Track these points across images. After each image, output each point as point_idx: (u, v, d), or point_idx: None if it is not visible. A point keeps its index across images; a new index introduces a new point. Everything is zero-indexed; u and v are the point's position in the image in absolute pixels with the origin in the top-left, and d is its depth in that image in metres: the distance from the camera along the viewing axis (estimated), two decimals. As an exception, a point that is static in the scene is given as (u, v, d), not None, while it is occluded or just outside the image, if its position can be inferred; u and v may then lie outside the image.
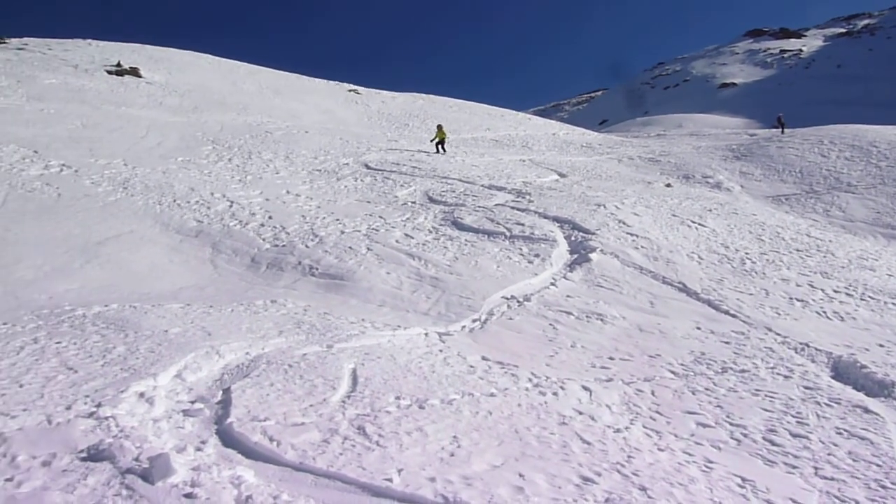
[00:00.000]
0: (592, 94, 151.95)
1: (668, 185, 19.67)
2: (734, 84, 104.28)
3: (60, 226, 10.95)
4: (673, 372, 6.85)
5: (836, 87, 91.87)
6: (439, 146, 23.42)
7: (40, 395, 4.82)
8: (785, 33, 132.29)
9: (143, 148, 17.24)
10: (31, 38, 34.06)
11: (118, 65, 30.80)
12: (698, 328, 8.43)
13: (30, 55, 29.71)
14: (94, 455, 3.94)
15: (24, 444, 4.00)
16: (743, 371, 6.90)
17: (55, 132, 17.03)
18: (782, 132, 31.02)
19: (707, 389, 6.32)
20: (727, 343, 7.88)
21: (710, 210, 15.93)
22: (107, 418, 4.51)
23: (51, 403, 4.68)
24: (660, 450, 4.87)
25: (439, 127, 23.98)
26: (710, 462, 4.72)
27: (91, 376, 5.34)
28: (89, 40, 36.27)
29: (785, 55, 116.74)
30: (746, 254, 12.27)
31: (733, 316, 8.94)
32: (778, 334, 8.27)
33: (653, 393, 6.16)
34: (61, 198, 12.34)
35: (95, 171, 14.29)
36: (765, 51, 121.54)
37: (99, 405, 4.72)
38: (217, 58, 40.20)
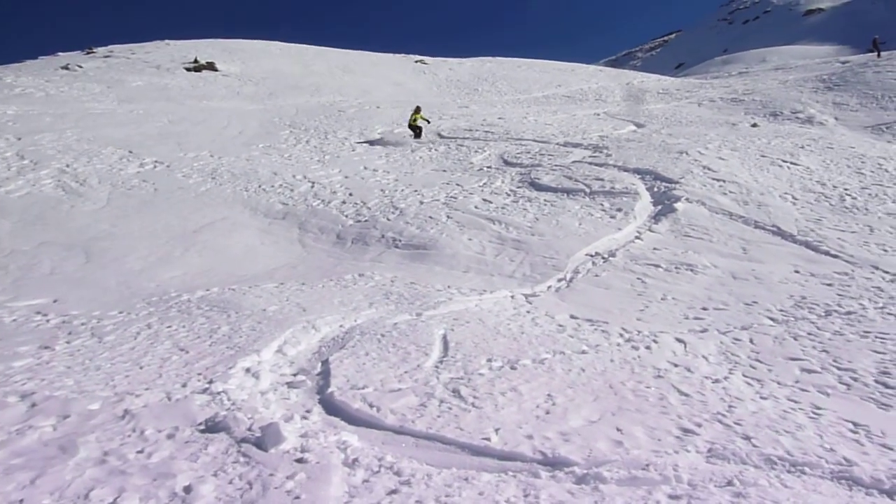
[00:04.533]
0: (666, 38, 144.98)
1: (755, 125, 18.68)
2: (821, 9, 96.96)
3: (160, 218, 11.62)
4: (772, 318, 6.61)
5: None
6: (415, 131, 18.57)
7: (159, 375, 5.20)
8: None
9: (227, 138, 17.93)
10: (116, 45, 35.84)
11: (195, 61, 31.98)
12: (797, 272, 8.07)
13: (116, 61, 31.30)
14: (212, 427, 4.22)
15: (149, 419, 4.34)
16: (849, 313, 6.57)
17: (146, 131, 17.95)
18: (878, 56, 28.78)
19: (810, 334, 6.07)
20: (830, 285, 7.52)
21: (803, 147, 15.06)
22: (219, 393, 4.82)
23: (169, 382, 5.04)
24: (762, 398, 4.73)
25: (416, 109, 19.03)
26: (819, 408, 4.54)
27: (201, 355, 5.70)
28: (167, 41, 37.76)
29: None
30: (846, 189, 11.58)
31: (835, 256, 8.50)
32: (886, 272, 7.81)
33: (751, 341, 5.97)
34: (158, 192, 13.06)
35: (185, 164, 15.01)
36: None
37: (211, 381, 5.04)
38: (286, 43, 40.99)
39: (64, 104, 21.13)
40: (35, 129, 16.91)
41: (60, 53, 33.41)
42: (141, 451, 3.88)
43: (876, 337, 5.89)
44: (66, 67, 28.24)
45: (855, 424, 4.27)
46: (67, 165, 14.15)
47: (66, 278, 8.85)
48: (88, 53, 33.45)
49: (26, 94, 21.97)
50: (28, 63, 30.45)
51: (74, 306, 7.51)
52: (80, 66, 28.74)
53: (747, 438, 4.04)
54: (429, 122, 19.30)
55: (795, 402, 4.67)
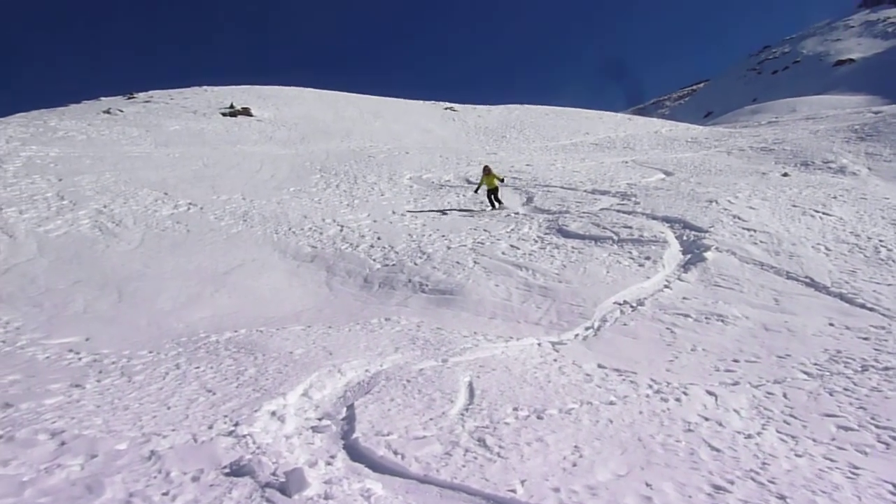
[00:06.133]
0: (694, 87, 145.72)
1: (786, 175, 18.55)
2: (851, 60, 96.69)
3: (191, 259, 11.84)
4: (806, 372, 6.44)
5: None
6: (492, 198, 15.69)
7: (185, 416, 5.23)
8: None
9: (259, 181, 18.32)
10: (156, 91, 37.07)
11: (231, 106, 32.93)
12: (831, 324, 7.88)
13: (155, 106, 32.37)
14: (236, 470, 4.22)
15: (175, 461, 4.36)
16: (887, 369, 6.38)
17: (181, 174, 18.43)
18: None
19: (846, 390, 5.90)
20: (866, 339, 7.32)
21: (835, 197, 14.89)
22: (244, 436, 4.83)
23: (195, 423, 5.07)
24: (797, 455, 4.59)
25: (486, 170, 15.85)
26: (856, 468, 4.39)
27: (228, 397, 5.72)
28: (205, 87, 39.00)
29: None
30: (881, 241, 11.36)
31: (870, 309, 8.29)
32: (925, 327, 7.58)
33: (785, 395, 5.82)
34: (190, 233, 13.33)
35: (218, 206, 15.33)
36: (884, 20, 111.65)
37: (237, 424, 5.05)
38: (318, 90, 42.06)
39: (104, 147, 21.84)
40: (75, 171, 17.47)
41: (103, 98, 34.63)
42: (166, 494, 3.89)
43: (916, 394, 5.70)
44: (107, 111, 29.26)
45: (895, 486, 4.11)
46: (104, 206, 14.55)
47: (98, 317, 9.01)
48: (129, 98, 34.66)
49: (68, 137, 22.76)
50: (72, 107, 31.60)
51: (106, 345, 7.63)
52: (121, 111, 29.77)
53: (782, 498, 3.92)
54: (503, 182, 16.17)
55: (832, 460, 4.52)
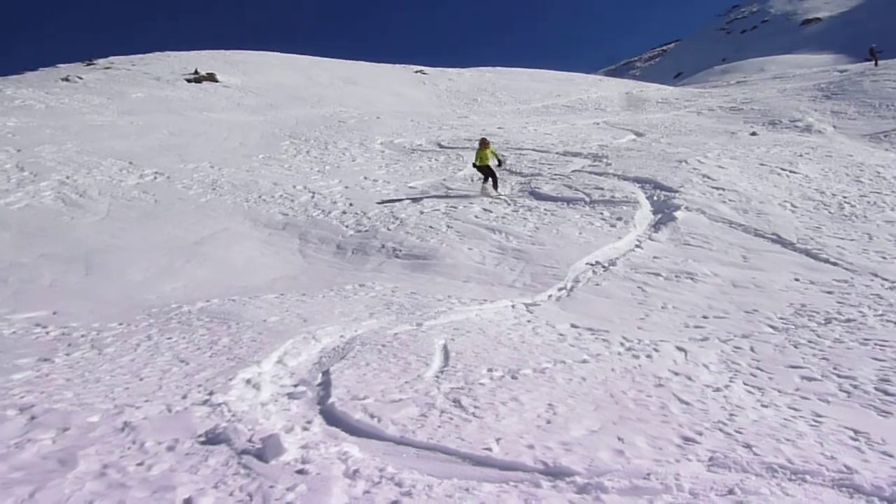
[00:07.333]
0: (664, 48, 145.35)
1: (754, 134, 18.74)
2: (818, 19, 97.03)
3: (161, 229, 11.63)
4: (772, 326, 6.61)
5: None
6: (489, 178, 13.12)
7: (159, 387, 5.19)
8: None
9: (227, 149, 17.97)
10: (116, 57, 35.93)
11: (196, 72, 32.07)
12: (797, 279, 8.07)
13: (116, 73, 31.40)
14: (212, 439, 4.21)
15: (150, 431, 4.33)
16: (849, 321, 6.57)
17: (146, 142, 18.00)
18: (876, 64, 28.94)
19: (811, 342, 6.07)
20: (830, 293, 7.52)
21: (802, 155, 15.10)
22: (219, 405, 4.81)
23: (169, 394, 5.03)
24: (763, 406, 4.72)
25: (482, 143, 13.12)
26: (819, 416, 4.54)
27: (202, 367, 5.69)
28: (168, 52, 37.89)
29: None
30: (845, 198, 11.60)
31: (834, 264, 8.51)
32: (885, 279, 7.82)
33: (752, 349, 5.97)
34: (158, 203, 13.08)
35: (186, 175, 15.03)
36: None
37: (211, 393, 5.03)
38: (287, 55, 41.14)
39: (64, 116, 21.20)
40: (35, 141, 16.95)
41: (61, 65, 33.47)
42: (141, 464, 3.86)
43: (876, 344, 5.89)
44: (66, 79, 28.33)
45: (855, 432, 4.27)
46: (67, 177, 14.18)
47: (66, 290, 8.84)
48: (89, 65, 33.55)
49: (26, 106, 22.04)
50: (28, 75, 30.52)
51: (74, 318, 7.50)
52: (81, 78, 28.83)
53: (748, 447, 4.03)
54: (500, 164, 13.42)
55: (796, 410, 4.66)
